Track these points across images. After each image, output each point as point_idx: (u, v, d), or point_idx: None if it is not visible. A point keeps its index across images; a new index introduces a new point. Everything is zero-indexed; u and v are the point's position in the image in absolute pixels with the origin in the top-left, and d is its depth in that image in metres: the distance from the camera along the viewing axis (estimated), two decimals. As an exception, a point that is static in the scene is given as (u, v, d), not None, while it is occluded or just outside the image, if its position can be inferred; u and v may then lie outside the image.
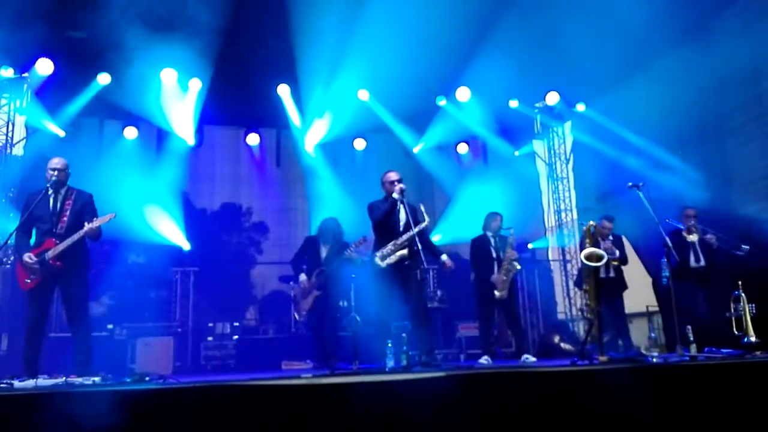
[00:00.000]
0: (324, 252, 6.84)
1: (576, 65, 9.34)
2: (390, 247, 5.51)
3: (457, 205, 11.04)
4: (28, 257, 4.96)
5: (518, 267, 6.94)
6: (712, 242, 6.75)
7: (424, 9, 7.53)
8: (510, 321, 7.20)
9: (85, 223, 5.02)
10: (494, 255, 6.99)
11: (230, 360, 8.23)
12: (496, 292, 6.83)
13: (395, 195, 5.55)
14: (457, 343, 8.88)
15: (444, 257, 5.84)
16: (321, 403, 3.32)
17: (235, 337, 8.46)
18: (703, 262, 6.80)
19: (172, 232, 9.77)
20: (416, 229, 5.43)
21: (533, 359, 6.69)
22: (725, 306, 6.30)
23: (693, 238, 6.79)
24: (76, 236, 5.03)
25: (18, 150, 9.46)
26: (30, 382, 3.98)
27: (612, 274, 7.19)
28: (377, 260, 5.55)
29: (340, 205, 10.74)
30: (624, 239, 7.62)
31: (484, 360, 6.63)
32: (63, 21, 7.80)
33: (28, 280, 5.00)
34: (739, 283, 5.52)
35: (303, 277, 6.87)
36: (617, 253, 7.22)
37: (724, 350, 5.11)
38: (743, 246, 6.49)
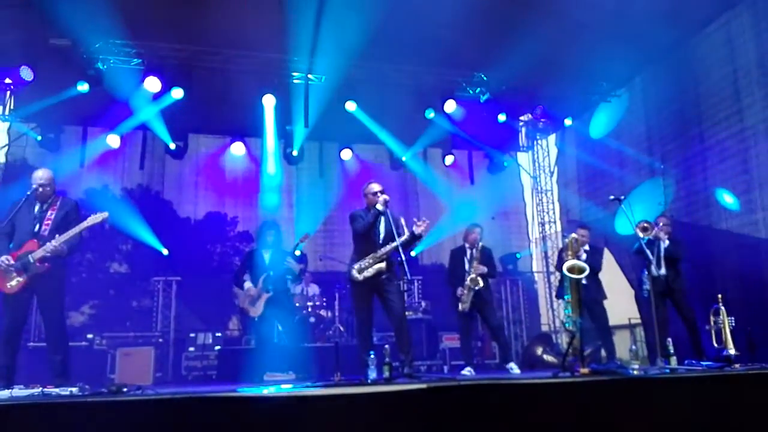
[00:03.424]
0: (267, 258, 6.72)
1: (562, 79, 9.46)
2: (368, 260, 5.49)
3: (442, 217, 11.08)
4: (6, 259, 4.88)
5: (480, 283, 6.83)
6: (662, 237, 6.57)
7: (415, 20, 7.57)
8: (491, 334, 7.19)
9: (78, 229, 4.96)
10: (466, 267, 6.97)
11: (212, 371, 8.15)
12: (460, 305, 6.84)
13: (379, 206, 5.54)
14: (441, 354, 8.88)
15: (415, 227, 5.53)
16: (302, 414, 3.29)
17: (217, 347, 8.38)
18: (663, 270, 6.55)
19: (153, 239, 9.69)
20: (398, 242, 5.42)
21: (517, 370, 6.69)
22: (699, 318, 6.34)
23: (643, 235, 6.40)
24: (65, 236, 4.96)
25: (0, 157, 9.40)
26: (5, 393, 3.91)
27: (584, 282, 7.10)
28: (354, 273, 5.52)
29: (325, 215, 10.75)
30: (606, 250, 7.65)
31: (467, 371, 6.62)
32: (46, 29, 7.73)
33: (11, 285, 4.90)
34: (719, 296, 5.56)
35: (248, 284, 6.70)
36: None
37: (704, 363, 5.16)
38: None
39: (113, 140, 9.43)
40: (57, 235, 4.98)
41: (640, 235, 6.27)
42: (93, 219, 5.05)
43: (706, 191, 8.26)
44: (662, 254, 6.60)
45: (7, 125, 9.40)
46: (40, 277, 4.95)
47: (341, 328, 8.81)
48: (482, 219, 7.86)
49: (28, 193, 5.06)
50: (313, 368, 6.68)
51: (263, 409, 3.27)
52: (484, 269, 6.92)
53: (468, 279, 6.85)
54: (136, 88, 8.80)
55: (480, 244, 7.04)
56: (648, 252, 5.88)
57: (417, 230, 5.51)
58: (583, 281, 6.81)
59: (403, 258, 5.39)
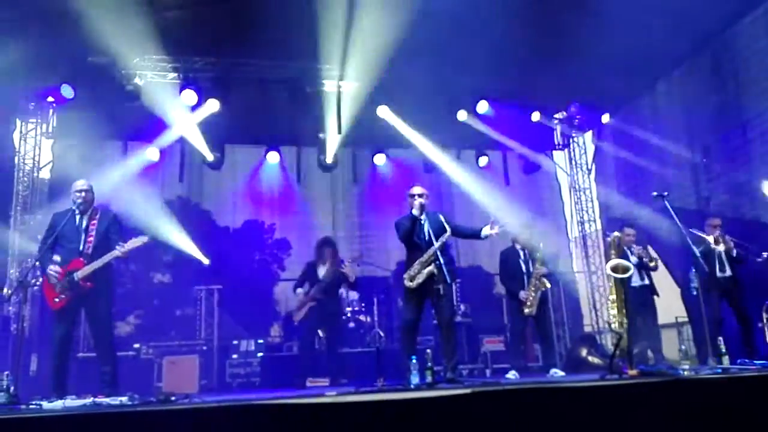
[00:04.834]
0: (322, 272, 7.11)
1: (597, 75, 9.29)
2: (416, 266, 5.48)
3: (478, 219, 10.98)
4: (55, 269, 5.01)
5: (548, 285, 6.76)
6: (731, 252, 6.55)
7: (444, 22, 7.54)
8: (540, 336, 7.06)
9: (117, 247, 5.06)
10: (523, 269, 6.84)
11: (255, 377, 8.22)
12: (525, 309, 6.70)
13: (414, 211, 5.56)
14: (482, 357, 8.79)
15: (485, 229, 5.62)
16: (345, 421, 3.29)
17: (260, 354, 8.47)
18: (728, 272, 6.54)
19: (194, 249, 9.86)
20: (437, 244, 5.41)
21: (561, 373, 6.58)
22: (752, 316, 6.16)
23: (720, 248, 6.47)
24: (106, 258, 5.08)
25: (45, 173, 9.69)
26: (58, 403, 4.01)
27: (646, 282, 7.01)
28: (407, 281, 5.51)
29: (360, 221, 10.78)
30: (650, 248, 7.48)
31: (512, 375, 6.54)
32: (85, 47, 7.96)
33: (57, 299, 5.04)
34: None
35: (300, 290, 7.21)
36: (652, 254, 7.07)
37: (758, 362, 4.98)
38: (763, 253, 6.35)
39: (153, 153, 9.64)
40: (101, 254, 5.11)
41: (716, 248, 6.28)
42: (133, 243, 5.13)
43: (751, 184, 8.02)
44: (724, 257, 6.51)
45: (51, 142, 9.70)
46: (88, 291, 5.08)
47: (381, 333, 8.80)
48: (519, 220, 7.75)
49: (73, 208, 5.18)
50: (354, 374, 6.71)
51: (308, 416, 3.29)
52: (546, 271, 6.84)
53: (534, 281, 6.75)
54: (173, 101, 9.00)
55: (541, 245, 6.96)
56: (700, 259, 5.73)
57: (485, 232, 5.60)
58: (645, 282, 6.78)
59: (442, 261, 5.37)
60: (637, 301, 6.70)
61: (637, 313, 6.69)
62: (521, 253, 6.94)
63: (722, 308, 6.45)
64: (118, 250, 5.06)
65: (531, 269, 6.83)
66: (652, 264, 6.95)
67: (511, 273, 6.93)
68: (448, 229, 5.55)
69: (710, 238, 6.46)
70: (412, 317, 5.58)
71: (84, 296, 5.09)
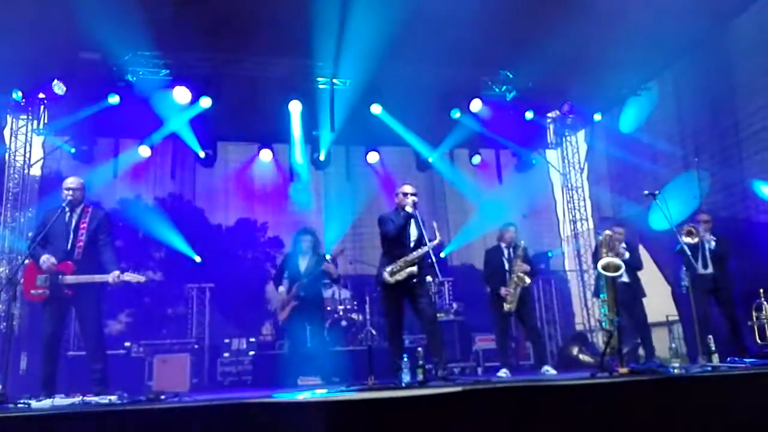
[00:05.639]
0: (303, 265, 6.95)
1: (590, 74, 9.31)
2: (400, 263, 5.49)
3: (471, 217, 11.00)
4: (49, 259, 4.94)
5: (527, 281, 6.76)
6: (707, 238, 6.49)
7: (438, 20, 7.53)
8: (527, 333, 7.11)
9: (116, 273, 5.05)
10: (507, 267, 6.88)
11: (247, 376, 8.20)
12: (505, 305, 6.74)
13: (408, 209, 5.54)
14: (474, 355, 8.79)
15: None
16: (337, 419, 3.29)
17: (251, 352, 8.44)
18: (710, 269, 6.48)
19: (186, 247, 9.82)
20: (430, 245, 5.40)
21: (553, 371, 6.59)
22: (739, 314, 6.15)
23: (688, 239, 6.17)
24: (96, 278, 5.06)
25: (35, 170, 9.63)
26: (47, 402, 3.98)
27: (626, 280, 6.99)
28: (386, 276, 5.52)
29: (353, 219, 10.77)
30: (641, 247, 7.48)
31: (503, 373, 6.55)
32: (76, 43, 7.91)
33: (34, 292, 4.99)
34: (761, 291, 5.41)
35: (282, 288, 7.00)
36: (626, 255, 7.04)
37: (747, 360, 5.00)
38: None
39: (144, 151, 9.59)
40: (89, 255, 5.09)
41: (686, 240, 6.08)
42: (129, 276, 5.12)
43: (743, 183, 8.05)
44: (708, 253, 6.46)
45: (42, 139, 9.64)
46: (74, 294, 5.04)
47: (373, 332, 8.79)
48: (512, 218, 7.76)
49: (63, 204, 5.14)
50: (345, 372, 6.70)
51: (298, 415, 3.28)
52: (527, 268, 6.84)
53: (515, 278, 6.76)
54: (165, 98, 8.95)
55: (522, 243, 6.97)
56: (689, 253, 5.72)
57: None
58: (625, 279, 6.72)
59: (434, 259, 5.38)
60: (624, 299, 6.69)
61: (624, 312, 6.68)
62: (505, 251, 6.98)
63: (711, 306, 6.46)
64: (111, 277, 5.04)
65: (514, 267, 6.85)
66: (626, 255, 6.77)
67: (493, 271, 6.98)
68: (438, 236, 5.54)
69: (684, 230, 6.26)
70: (396, 317, 5.63)
71: (73, 295, 5.05)
